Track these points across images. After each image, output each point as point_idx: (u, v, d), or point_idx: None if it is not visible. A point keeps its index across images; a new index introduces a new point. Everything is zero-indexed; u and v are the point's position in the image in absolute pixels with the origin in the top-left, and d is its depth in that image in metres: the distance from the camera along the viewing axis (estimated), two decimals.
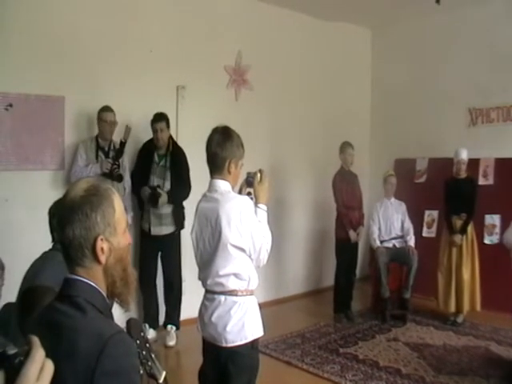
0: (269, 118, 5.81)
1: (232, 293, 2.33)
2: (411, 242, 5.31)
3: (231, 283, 2.32)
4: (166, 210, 4.44)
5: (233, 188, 2.42)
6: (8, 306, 2.24)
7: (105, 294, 1.25)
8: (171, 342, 4.52)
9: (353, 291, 5.37)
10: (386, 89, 6.73)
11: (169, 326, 4.59)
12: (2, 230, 3.78)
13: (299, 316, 5.52)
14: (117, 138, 4.34)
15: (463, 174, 5.13)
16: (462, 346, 4.50)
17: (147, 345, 1.40)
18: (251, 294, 2.39)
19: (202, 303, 2.45)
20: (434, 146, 6.08)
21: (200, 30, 5.12)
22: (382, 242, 5.37)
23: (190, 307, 4.23)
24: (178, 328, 4.60)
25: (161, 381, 1.39)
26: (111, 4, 4.52)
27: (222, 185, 2.37)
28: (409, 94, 6.49)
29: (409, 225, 5.43)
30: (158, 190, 4.35)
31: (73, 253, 1.22)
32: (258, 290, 2.47)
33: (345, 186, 5.24)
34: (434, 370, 3.96)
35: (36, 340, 0.80)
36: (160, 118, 4.44)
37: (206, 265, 2.39)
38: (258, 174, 2.46)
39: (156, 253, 4.59)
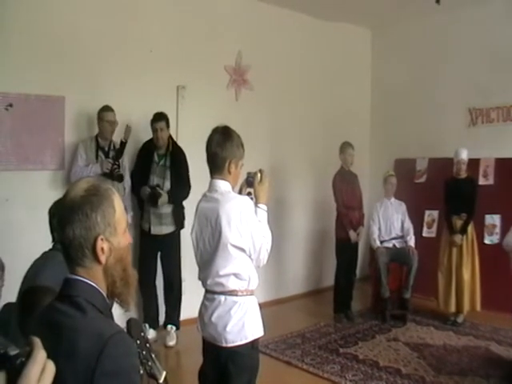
0: (269, 118, 5.81)
1: (232, 293, 2.33)
2: (411, 242, 5.31)
3: (231, 283, 2.32)
4: (166, 209, 4.44)
5: (233, 188, 2.42)
6: (8, 306, 2.24)
7: (105, 294, 1.25)
8: (171, 342, 4.53)
9: (353, 291, 5.36)
10: (386, 89, 6.73)
11: (169, 326, 4.59)
12: (2, 230, 3.78)
13: (299, 316, 5.52)
14: (117, 137, 4.34)
15: (463, 174, 5.13)
16: (462, 346, 4.50)
17: (147, 345, 1.40)
18: (251, 294, 2.39)
19: (202, 303, 2.45)
20: (434, 146, 6.08)
21: (200, 30, 5.12)
22: (382, 242, 5.37)
23: (189, 307, 4.23)
24: (177, 328, 4.61)
25: (161, 381, 1.39)
26: (111, 4, 4.52)
27: (222, 185, 2.37)
28: (409, 94, 6.48)
29: (409, 225, 5.43)
30: (158, 189, 4.36)
31: (73, 253, 1.22)
32: (258, 289, 2.47)
33: (345, 186, 5.24)
34: (434, 370, 3.96)
35: (37, 341, 0.80)
36: (160, 118, 4.44)
37: (206, 265, 2.39)
38: (258, 174, 2.46)
39: (156, 253, 4.59)
